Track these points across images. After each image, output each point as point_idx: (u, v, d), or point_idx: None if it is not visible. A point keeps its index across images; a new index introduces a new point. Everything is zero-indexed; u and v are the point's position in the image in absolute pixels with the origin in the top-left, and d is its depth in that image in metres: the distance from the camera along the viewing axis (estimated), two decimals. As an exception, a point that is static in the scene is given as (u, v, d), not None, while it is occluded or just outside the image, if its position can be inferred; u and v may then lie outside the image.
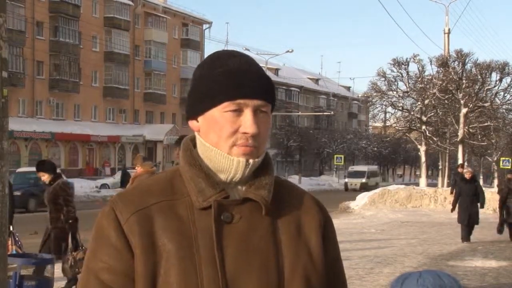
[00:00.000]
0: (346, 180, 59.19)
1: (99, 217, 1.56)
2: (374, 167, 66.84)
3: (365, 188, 53.44)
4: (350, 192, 50.09)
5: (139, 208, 1.52)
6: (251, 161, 1.54)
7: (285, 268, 1.52)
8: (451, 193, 21.84)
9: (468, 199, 15.36)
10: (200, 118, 1.57)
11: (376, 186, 56.40)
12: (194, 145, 1.62)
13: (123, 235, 1.50)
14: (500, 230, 15.73)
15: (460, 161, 32.87)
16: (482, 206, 15.95)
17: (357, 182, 57.39)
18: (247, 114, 1.52)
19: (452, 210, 16.04)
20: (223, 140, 1.53)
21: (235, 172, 1.54)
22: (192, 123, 1.60)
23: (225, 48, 79.68)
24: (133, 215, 1.51)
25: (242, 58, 1.58)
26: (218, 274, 1.46)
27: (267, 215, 1.55)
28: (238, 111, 1.52)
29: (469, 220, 15.23)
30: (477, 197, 15.61)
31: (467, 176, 15.78)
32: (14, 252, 7.79)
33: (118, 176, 39.05)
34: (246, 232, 1.52)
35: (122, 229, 1.50)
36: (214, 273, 1.46)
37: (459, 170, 21.53)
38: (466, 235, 15.25)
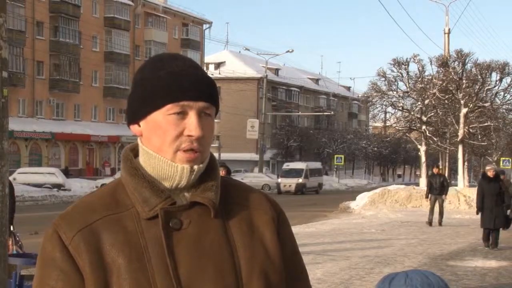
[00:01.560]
0: (279, 180, 47.34)
1: (43, 240, 1.51)
2: (317, 164, 53.82)
3: (301, 190, 45.87)
4: (286, 195, 41.16)
5: (83, 226, 1.47)
6: (195, 167, 1.50)
7: (242, 268, 1.49)
8: (426, 197, 20.31)
9: (492, 200, 14.00)
10: (142, 123, 1.53)
11: (319, 187, 49.54)
12: (136, 155, 1.57)
13: (69, 257, 1.45)
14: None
15: (460, 161, 32.86)
16: (509, 207, 14.39)
17: (291, 182, 46.08)
18: (192, 117, 1.48)
19: (478, 212, 14.57)
20: (166, 144, 1.49)
21: (180, 179, 1.50)
22: (134, 128, 1.55)
23: (226, 48, 79.48)
24: (77, 234, 1.46)
25: (185, 60, 1.54)
26: (172, 283, 1.43)
27: (217, 217, 1.51)
28: (182, 114, 1.48)
29: (494, 223, 14.00)
30: (502, 197, 14.14)
31: (490, 174, 14.26)
32: (14, 252, 7.79)
33: (118, 176, 38.99)
34: (197, 236, 1.48)
35: (68, 250, 1.45)
36: (169, 282, 1.43)
37: (434, 171, 20.56)
38: (487, 238, 14.15)
